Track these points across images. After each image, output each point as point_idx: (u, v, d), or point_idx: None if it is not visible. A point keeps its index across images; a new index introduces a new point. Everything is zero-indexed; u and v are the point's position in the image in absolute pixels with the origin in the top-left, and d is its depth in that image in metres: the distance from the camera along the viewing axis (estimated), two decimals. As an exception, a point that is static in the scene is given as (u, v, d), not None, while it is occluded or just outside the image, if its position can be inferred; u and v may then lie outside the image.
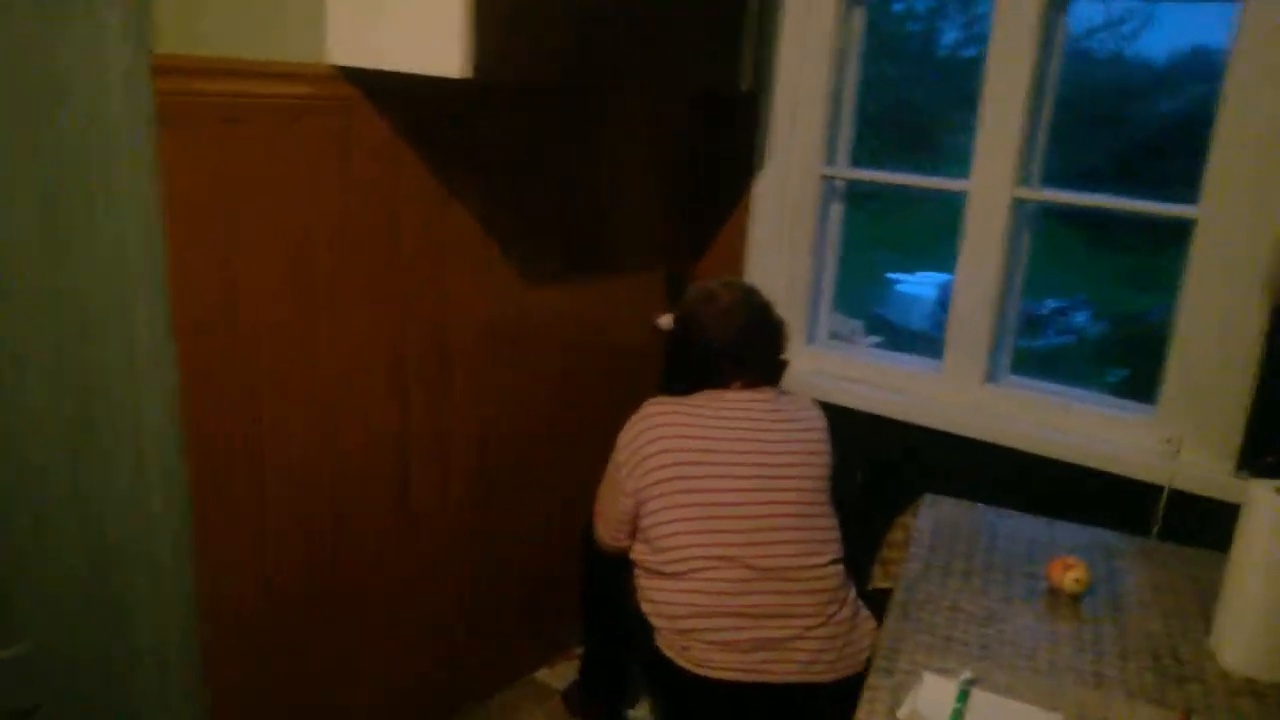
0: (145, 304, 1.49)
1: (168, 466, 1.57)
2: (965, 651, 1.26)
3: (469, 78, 1.56)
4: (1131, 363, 5.53)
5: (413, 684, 2.15)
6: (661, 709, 2.01)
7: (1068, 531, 1.73)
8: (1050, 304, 6.26)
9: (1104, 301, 6.78)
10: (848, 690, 1.86)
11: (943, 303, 6.07)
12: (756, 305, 2.00)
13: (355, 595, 1.97)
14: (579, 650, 2.61)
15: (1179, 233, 2.12)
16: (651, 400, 2.00)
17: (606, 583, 2.14)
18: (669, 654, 1.86)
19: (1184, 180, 2.10)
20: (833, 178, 2.53)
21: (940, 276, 6.42)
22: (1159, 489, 2.10)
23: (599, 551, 2.09)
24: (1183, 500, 2.08)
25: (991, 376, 2.39)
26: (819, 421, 2.00)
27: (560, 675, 2.49)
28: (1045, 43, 2.17)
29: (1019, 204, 2.27)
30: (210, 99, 1.52)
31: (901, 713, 1.12)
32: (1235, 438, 2.06)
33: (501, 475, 2.23)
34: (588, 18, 1.76)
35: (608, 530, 2.02)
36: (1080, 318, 6.22)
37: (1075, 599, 1.42)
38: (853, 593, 1.93)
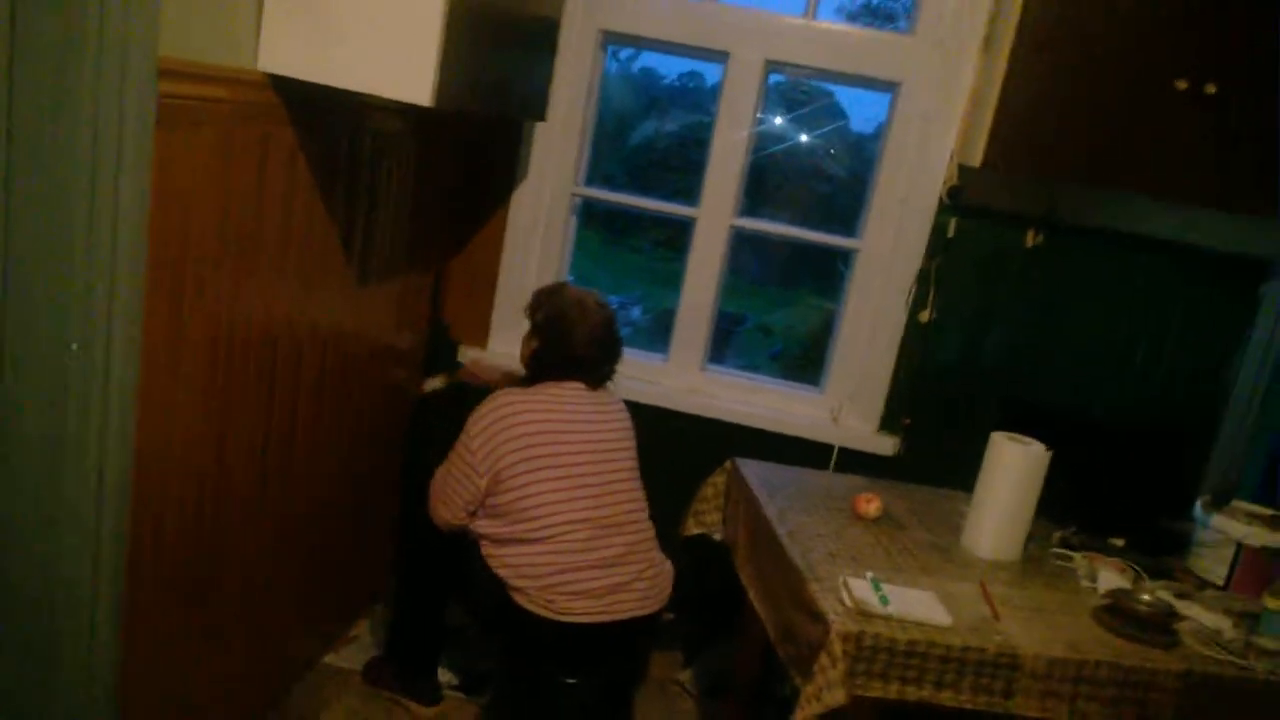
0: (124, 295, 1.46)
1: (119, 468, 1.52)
2: (846, 561, 1.80)
3: (430, 105, 1.73)
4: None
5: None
6: (519, 655, 2.29)
7: (830, 478, 2.39)
8: (612, 300, 7.18)
9: (645, 298, 7.87)
10: (657, 617, 2.33)
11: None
12: (611, 324, 2.33)
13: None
14: (354, 630, 2.73)
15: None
16: (501, 391, 2.26)
17: (433, 559, 2.36)
18: (531, 609, 2.16)
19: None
20: (579, 195, 2.94)
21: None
22: (830, 446, 2.88)
23: (429, 531, 2.30)
24: (845, 452, 2.87)
25: (703, 366, 3.00)
26: (624, 408, 2.42)
27: (348, 658, 2.60)
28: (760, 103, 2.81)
29: (734, 230, 2.89)
30: (188, 102, 1.51)
31: (850, 603, 1.63)
32: (878, 408, 2.89)
33: (295, 468, 2.24)
34: (495, 57, 2.01)
35: (451, 511, 2.24)
36: (635, 312, 7.23)
37: (875, 521, 2.05)
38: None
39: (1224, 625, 1.81)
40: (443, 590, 2.40)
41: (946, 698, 1.60)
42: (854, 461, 2.83)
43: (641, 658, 2.44)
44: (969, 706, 1.61)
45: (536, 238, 2.92)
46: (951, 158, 2.70)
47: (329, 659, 2.58)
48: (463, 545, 2.29)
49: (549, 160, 2.86)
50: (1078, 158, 2.41)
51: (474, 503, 2.22)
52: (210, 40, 1.61)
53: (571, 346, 2.26)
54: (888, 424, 2.90)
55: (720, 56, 2.78)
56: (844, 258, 2.95)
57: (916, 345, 2.83)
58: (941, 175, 2.72)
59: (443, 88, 1.74)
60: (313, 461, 2.27)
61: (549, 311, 2.29)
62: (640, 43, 2.96)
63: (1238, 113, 2.29)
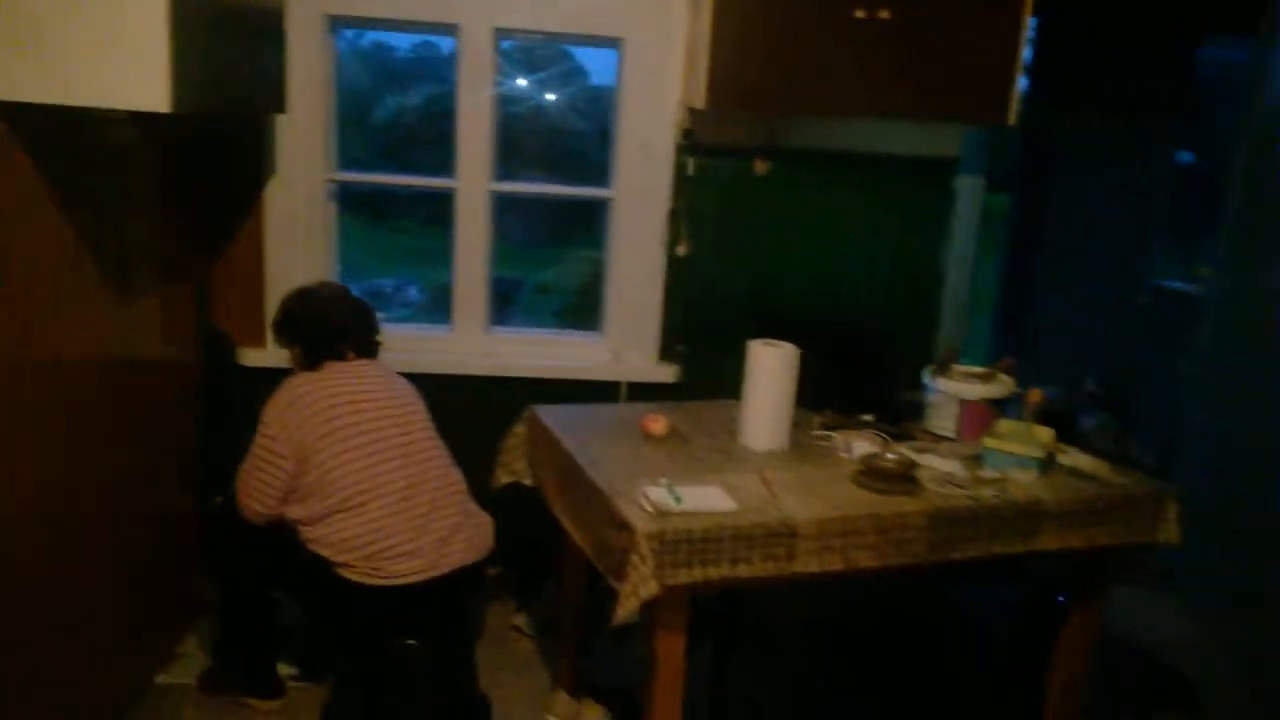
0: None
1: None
2: (644, 475, 2.01)
3: (169, 111, 1.75)
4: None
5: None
6: (354, 630, 2.36)
7: (620, 409, 2.60)
8: (387, 283, 7.12)
9: (419, 278, 7.82)
10: (484, 564, 2.47)
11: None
12: (349, 295, 2.47)
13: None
14: (181, 647, 2.71)
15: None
16: (290, 378, 2.32)
17: (249, 557, 2.39)
18: (359, 580, 2.24)
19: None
20: (334, 181, 2.97)
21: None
22: (618, 383, 3.10)
23: (239, 529, 2.33)
24: (633, 387, 3.10)
25: (487, 329, 3.13)
26: (404, 377, 2.52)
27: (180, 673, 2.58)
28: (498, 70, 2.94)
29: (494, 195, 3.02)
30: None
31: (649, 507, 1.84)
32: (654, 341, 3.13)
33: (80, 499, 2.19)
34: (226, 55, 2.03)
35: (261, 501, 2.28)
36: (412, 291, 7.20)
37: (664, 438, 2.27)
38: None
39: (955, 468, 2.16)
40: (264, 586, 2.43)
41: (742, 570, 1.84)
42: (642, 393, 3.06)
43: (474, 609, 2.57)
44: (760, 574, 1.86)
45: (298, 230, 2.93)
46: (679, 103, 2.94)
47: (161, 679, 2.56)
48: (277, 537, 2.33)
49: (297, 151, 2.87)
50: (783, 90, 2.69)
51: (284, 489, 2.27)
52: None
53: (327, 320, 2.37)
54: (666, 354, 3.14)
55: (450, 30, 2.87)
56: (604, 208, 3.14)
57: (679, 278, 3.08)
58: (674, 120, 2.95)
59: (178, 92, 1.77)
60: (95, 491, 2.23)
61: (287, 315, 2.40)
62: (369, 23, 3.00)
63: (911, 35, 2.64)
